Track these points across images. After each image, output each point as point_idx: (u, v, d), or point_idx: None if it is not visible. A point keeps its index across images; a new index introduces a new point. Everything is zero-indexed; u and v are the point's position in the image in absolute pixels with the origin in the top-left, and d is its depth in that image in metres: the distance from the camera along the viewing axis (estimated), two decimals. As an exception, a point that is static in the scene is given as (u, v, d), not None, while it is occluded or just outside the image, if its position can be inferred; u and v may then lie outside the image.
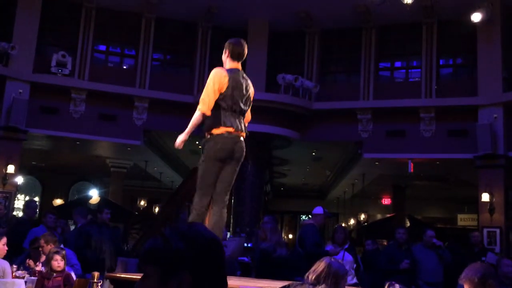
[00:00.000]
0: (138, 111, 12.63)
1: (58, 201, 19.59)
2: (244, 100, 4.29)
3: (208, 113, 4.16)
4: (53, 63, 12.06)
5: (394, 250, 7.56)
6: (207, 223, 4.28)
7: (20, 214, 14.66)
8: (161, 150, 14.98)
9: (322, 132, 12.89)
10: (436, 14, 12.28)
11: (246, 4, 12.64)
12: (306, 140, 13.03)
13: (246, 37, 10.83)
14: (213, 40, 13.26)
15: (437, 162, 12.84)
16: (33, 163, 16.87)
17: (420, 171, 13.59)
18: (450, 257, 7.50)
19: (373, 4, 11.10)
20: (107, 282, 5.08)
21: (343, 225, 16.31)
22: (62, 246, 6.14)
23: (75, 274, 5.69)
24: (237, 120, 4.23)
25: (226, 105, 4.17)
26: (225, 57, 4.39)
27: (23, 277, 5.52)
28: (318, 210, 7.15)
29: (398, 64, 13.93)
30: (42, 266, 5.66)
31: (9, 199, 11.47)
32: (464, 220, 18.84)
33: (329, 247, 6.82)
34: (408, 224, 16.29)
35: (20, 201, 17.70)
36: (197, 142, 11.68)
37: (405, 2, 10.00)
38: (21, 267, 5.94)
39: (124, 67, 13.86)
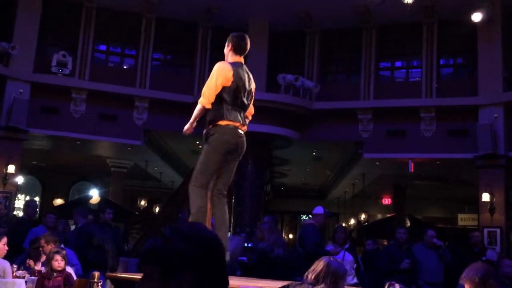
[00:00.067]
0: (138, 111, 12.63)
1: (58, 201, 19.61)
2: (246, 94, 4.28)
3: (208, 106, 4.15)
4: (54, 63, 12.07)
5: (395, 250, 7.55)
6: (211, 217, 4.28)
7: (21, 214, 14.66)
8: (162, 150, 14.98)
9: (323, 132, 12.89)
10: (437, 14, 12.28)
11: (246, 4, 12.64)
12: (307, 140, 13.03)
13: (246, 37, 10.80)
14: (213, 40, 13.26)
15: (438, 162, 12.84)
16: (33, 163, 16.88)
17: (421, 171, 13.59)
18: (450, 257, 7.49)
19: (373, 4, 11.09)
20: (108, 282, 5.08)
21: (344, 225, 16.31)
22: (62, 246, 6.14)
23: (76, 274, 5.70)
24: (239, 114, 4.23)
25: (229, 99, 4.15)
26: (227, 50, 4.36)
27: (23, 277, 5.53)
28: (319, 210, 7.15)
29: (398, 64, 13.93)
30: (42, 266, 5.66)
31: (10, 199, 11.48)
32: (464, 220, 18.84)
33: (329, 247, 6.82)
34: (408, 224, 16.29)
35: (20, 201, 17.71)
36: (197, 142, 11.70)
37: (406, 2, 9.99)
38: (22, 267, 5.95)
39: (125, 67, 13.86)
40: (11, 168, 11.40)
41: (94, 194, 17.24)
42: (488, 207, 11.11)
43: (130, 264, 9.46)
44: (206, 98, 4.15)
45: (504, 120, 11.27)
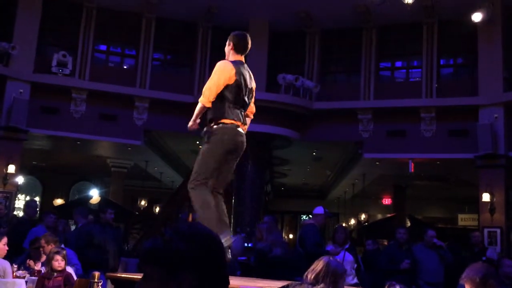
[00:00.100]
0: (138, 111, 12.63)
1: (58, 201, 19.61)
2: (247, 93, 4.28)
3: (208, 105, 4.13)
4: (54, 63, 12.07)
5: (395, 250, 7.55)
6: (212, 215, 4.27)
7: (21, 214, 14.67)
8: (162, 150, 14.98)
9: (323, 132, 12.89)
10: (437, 14, 12.28)
11: (246, 4, 12.64)
12: (307, 140, 13.03)
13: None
14: (213, 40, 13.25)
15: (438, 162, 12.84)
16: (33, 163, 16.87)
17: (421, 171, 13.58)
18: (451, 257, 7.49)
19: (373, 4, 11.09)
20: (108, 282, 5.08)
21: (344, 225, 16.30)
22: (62, 246, 6.14)
23: (76, 274, 5.70)
24: (240, 113, 4.23)
25: (231, 97, 4.14)
26: (228, 49, 4.35)
27: (23, 277, 5.53)
28: (319, 210, 7.15)
29: (398, 64, 13.93)
30: (42, 266, 5.66)
31: (10, 199, 11.48)
32: (464, 220, 18.84)
33: (329, 247, 6.82)
34: (408, 224, 16.29)
35: (20, 201, 17.72)
36: (197, 142, 11.71)
37: (406, 2, 9.98)
38: (22, 267, 5.95)
39: (125, 67, 13.86)
40: (11, 168, 11.40)
41: (94, 194, 17.23)
42: (488, 207, 11.11)
43: (130, 264, 9.47)
44: (206, 97, 4.14)
45: (504, 120, 11.27)
